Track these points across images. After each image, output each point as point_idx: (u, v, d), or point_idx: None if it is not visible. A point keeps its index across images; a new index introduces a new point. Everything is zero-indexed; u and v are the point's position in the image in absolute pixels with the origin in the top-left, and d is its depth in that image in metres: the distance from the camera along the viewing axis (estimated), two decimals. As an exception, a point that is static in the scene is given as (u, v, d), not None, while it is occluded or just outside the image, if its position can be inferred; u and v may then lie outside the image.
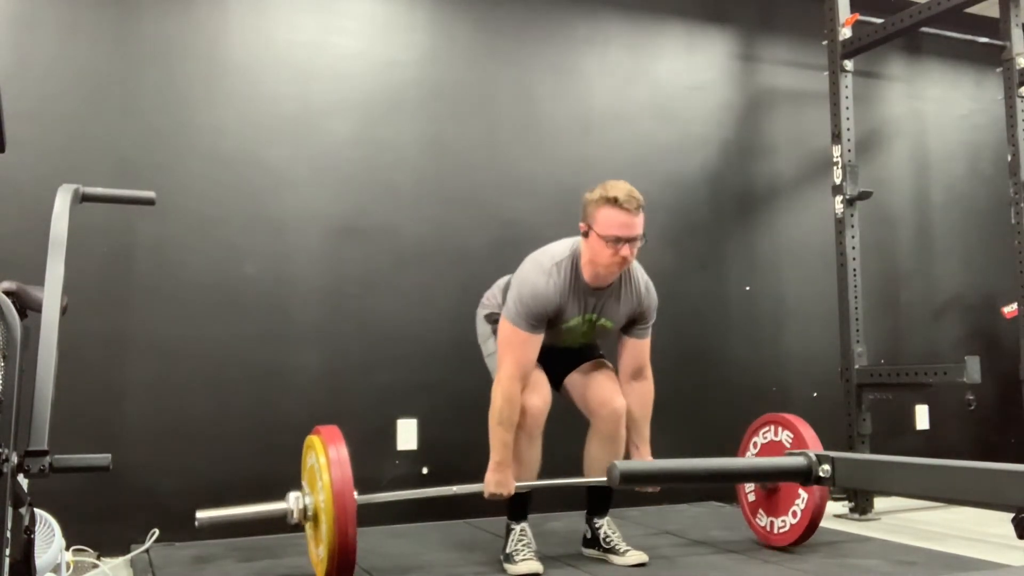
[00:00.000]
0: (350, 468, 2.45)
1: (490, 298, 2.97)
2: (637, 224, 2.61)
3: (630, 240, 2.61)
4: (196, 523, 2.51)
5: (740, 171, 4.37)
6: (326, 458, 2.46)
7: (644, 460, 2.65)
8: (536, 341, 2.69)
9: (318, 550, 2.56)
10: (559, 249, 2.75)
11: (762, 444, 3.09)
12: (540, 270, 2.69)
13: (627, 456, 2.81)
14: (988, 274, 4.75)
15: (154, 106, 3.38)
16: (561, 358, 2.91)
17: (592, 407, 2.85)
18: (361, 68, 3.71)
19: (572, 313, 2.73)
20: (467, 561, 2.87)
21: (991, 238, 4.69)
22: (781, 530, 2.96)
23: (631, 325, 2.83)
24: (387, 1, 3.81)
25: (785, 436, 3.01)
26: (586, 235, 2.66)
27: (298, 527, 2.63)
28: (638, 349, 2.85)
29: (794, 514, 2.92)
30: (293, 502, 2.56)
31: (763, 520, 3.04)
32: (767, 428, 3.09)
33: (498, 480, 2.66)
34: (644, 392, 2.87)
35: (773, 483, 2.97)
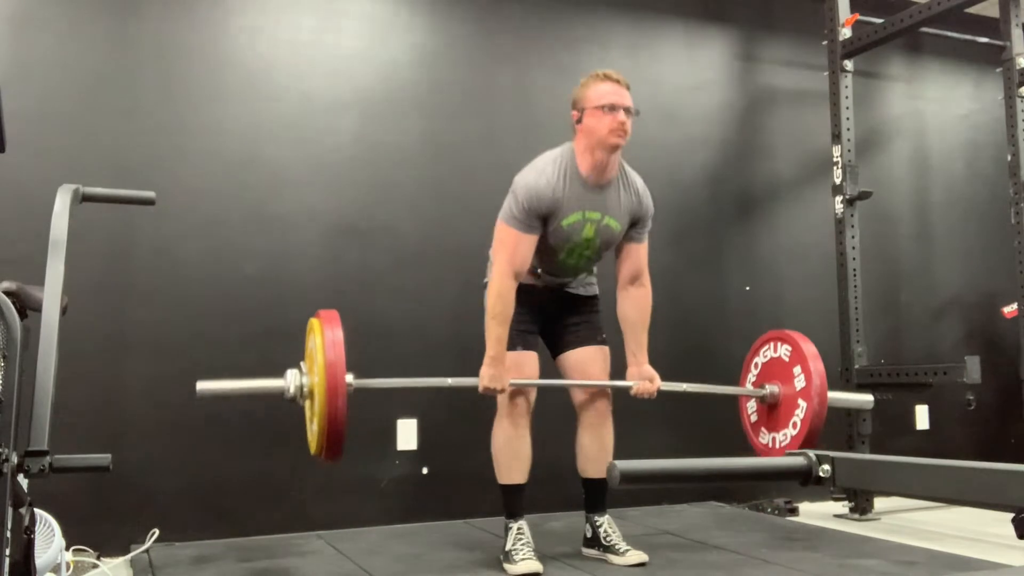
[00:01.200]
0: (343, 350, 2.48)
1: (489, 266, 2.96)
2: (628, 96, 2.69)
3: (625, 108, 2.65)
4: (197, 393, 2.50)
5: (740, 171, 4.37)
6: (322, 340, 2.50)
7: (645, 461, 2.66)
8: (530, 241, 2.69)
9: (312, 428, 2.61)
10: (553, 151, 2.78)
11: (763, 364, 3.09)
12: (534, 169, 2.73)
13: (622, 379, 2.84)
14: (988, 274, 4.75)
15: (154, 106, 3.38)
16: (565, 324, 2.88)
17: (578, 400, 2.88)
18: (361, 68, 3.71)
19: (571, 208, 2.71)
20: (467, 561, 2.87)
21: (991, 238, 4.69)
22: (782, 443, 2.96)
23: (630, 228, 2.84)
24: (387, 1, 3.81)
25: (784, 351, 3.01)
26: (579, 121, 2.70)
27: (294, 401, 2.63)
28: (637, 254, 2.87)
29: (794, 425, 2.92)
30: (290, 379, 2.58)
31: (765, 437, 3.04)
32: (767, 346, 3.09)
33: (492, 375, 2.67)
34: (642, 299, 2.88)
35: (773, 397, 2.99)
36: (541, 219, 2.69)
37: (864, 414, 3.80)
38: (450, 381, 2.77)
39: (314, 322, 2.63)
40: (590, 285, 2.98)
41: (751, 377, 3.12)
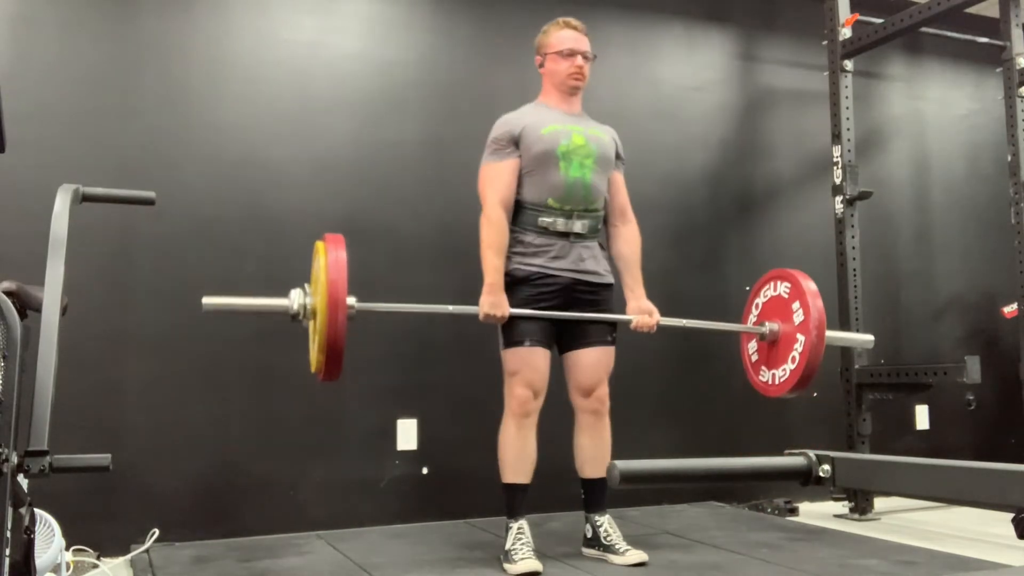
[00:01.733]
0: (346, 271, 2.50)
1: None
2: (586, 42, 2.93)
3: (583, 53, 2.89)
4: (203, 307, 2.50)
5: (740, 171, 4.37)
6: (325, 260, 2.51)
7: (645, 461, 2.65)
8: (510, 167, 2.82)
9: (313, 344, 2.62)
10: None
11: (763, 303, 3.10)
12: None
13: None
14: (988, 274, 4.75)
15: (154, 106, 3.38)
16: (579, 324, 2.84)
17: (575, 393, 2.89)
18: (361, 68, 3.71)
19: (547, 122, 2.85)
20: (467, 561, 2.87)
21: (991, 238, 4.69)
22: (781, 379, 2.97)
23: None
24: (387, 1, 3.81)
25: (784, 288, 3.03)
26: (542, 66, 2.95)
27: (297, 319, 2.62)
28: (617, 185, 2.98)
29: (792, 359, 2.93)
30: (295, 298, 2.59)
31: (765, 375, 3.05)
32: (768, 286, 3.11)
33: (492, 302, 2.70)
34: (631, 234, 2.98)
35: (773, 335, 3.00)
36: (514, 143, 2.83)
37: (864, 414, 3.81)
38: (451, 308, 2.82)
39: (319, 244, 2.64)
40: (606, 272, 2.93)
41: (752, 317, 3.13)
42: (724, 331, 3.21)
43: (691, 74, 4.33)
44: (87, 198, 2.00)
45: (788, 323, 2.97)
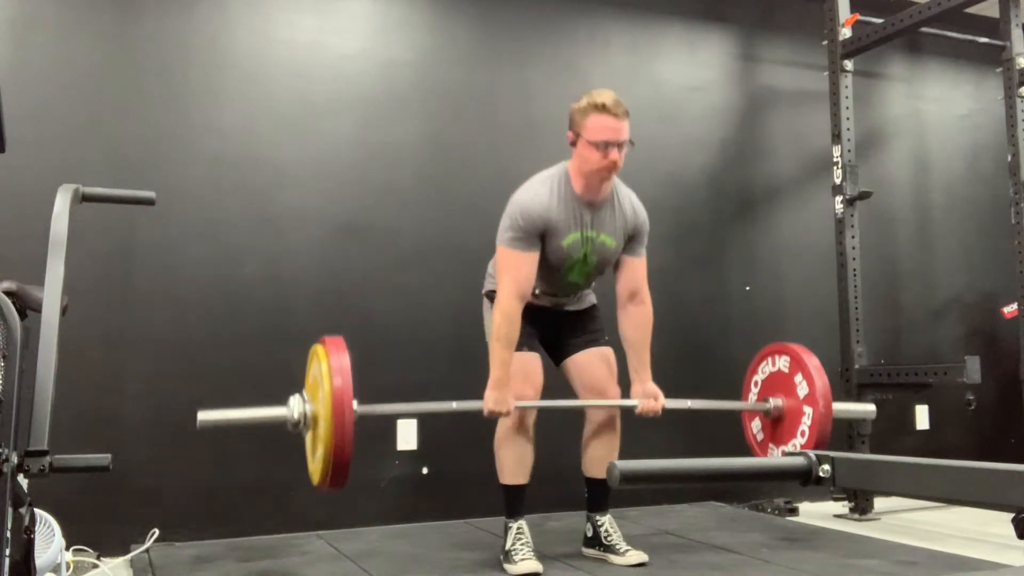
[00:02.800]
0: (351, 376, 2.45)
1: (492, 268, 2.94)
2: (624, 129, 2.66)
3: (619, 144, 2.65)
4: (198, 424, 2.47)
5: (740, 171, 4.37)
6: (328, 366, 2.46)
7: (644, 461, 2.65)
8: (531, 259, 2.69)
9: (315, 456, 2.56)
10: (548, 171, 2.79)
11: (763, 380, 3.09)
12: (529, 190, 2.73)
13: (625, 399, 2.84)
14: (988, 274, 4.75)
15: (154, 106, 3.38)
16: (566, 331, 2.89)
17: (585, 397, 2.87)
18: (361, 68, 3.71)
19: (568, 228, 2.72)
20: (467, 561, 2.87)
21: (991, 238, 4.69)
22: None
23: (627, 243, 2.84)
24: (387, 1, 3.81)
25: (783, 362, 3.02)
26: (574, 144, 2.70)
27: (296, 429, 2.60)
28: (634, 268, 2.84)
29: (802, 433, 2.91)
30: (294, 406, 2.55)
31: (774, 453, 3.03)
32: (765, 362, 3.10)
33: (496, 398, 2.65)
34: (642, 317, 2.86)
35: (778, 410, 2.99)
36: (539, 236, 2.70)
37: (864, 414, 3.81)
38: (455, 405, 2.75)
39: (318, 348, 2.59)
40: (587, 296, 2.98)
41: (752, 395, 3.12)
42: (729, 409, 3.20)
43: (691, 74, 4.33)
44: (87, 198, 2.00)
45: (792, 397, 2.96)
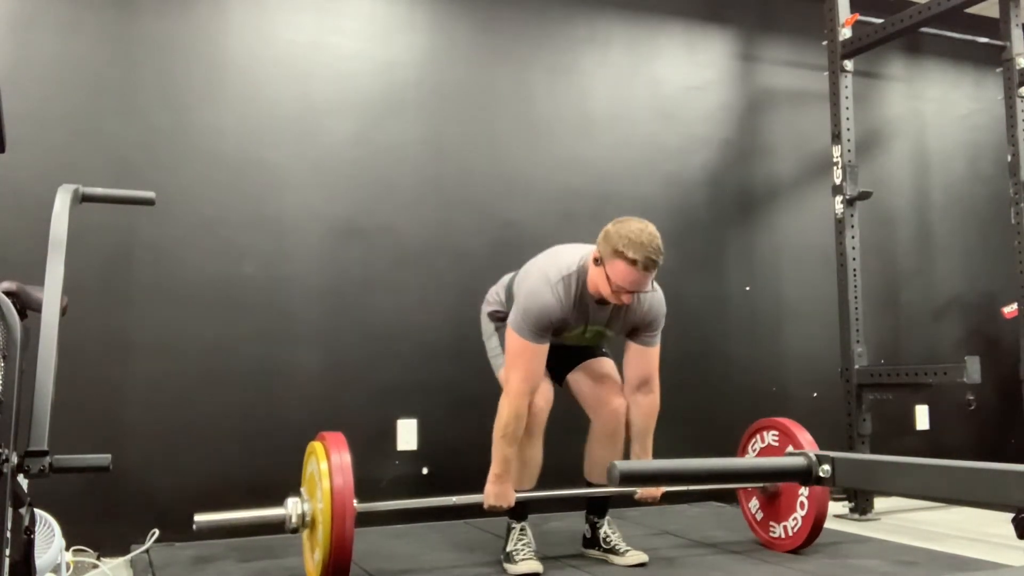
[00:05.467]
0: (352, 476, 2.44)
1: (493, 296, 2.96)
2: (648, 281, 2.59)
3: (639, 291, 2.62)
4: (194, 527, 2.51)
5: (740, 171, 4.37)
6: (328, 464, 2.45)
7: (644, 461, 2.65)
8: (543, 351, 2.67)
9: (314, 555, 2.55)
10: (566, 261, 2.69)
11: (760, 449, 3.10)
12: (547, 284, 2.65)
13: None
14: (988, 274, 4.75)
15: (154, 106, 3.38)
16: (565, 353, 2.90)
17: (592, 406, 2.87)
18: (361, 68, 3.71)
19: (578, 323, 2.73)
20: (467, 561, 2.87)
21: (991, 238, 4.69)
22: (795, 529, 2.94)
23: (636, 331, 2.79)
24: (387, 1, 3.81)
25: (772, 437, 3.03)
26: (597, 262, 2.61)
27: (295, 532, 2.61)
28: (645, 358, 2.79)
29: (801, 505, 2.91)
30: (291, 508, 2.55)
31: (776, 530, 3.02)
32: (754, 440, 3.12)
33: (497, 493, 2.66)
34: (649, 406, 2.81)
35: (774, 487, 2.98)
36: (552, 330, 2.69)
37: (864, 414, 3.80)
38: (454, 499, 2.76)
39: (316, 445, 2.57)
40: None
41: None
42: (728, 488, 3.20)
43: (691, 74, 4.33)
44: (87, 198, 2.00)
45: None
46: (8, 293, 1.69)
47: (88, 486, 3.05)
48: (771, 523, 3.03)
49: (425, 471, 3.62)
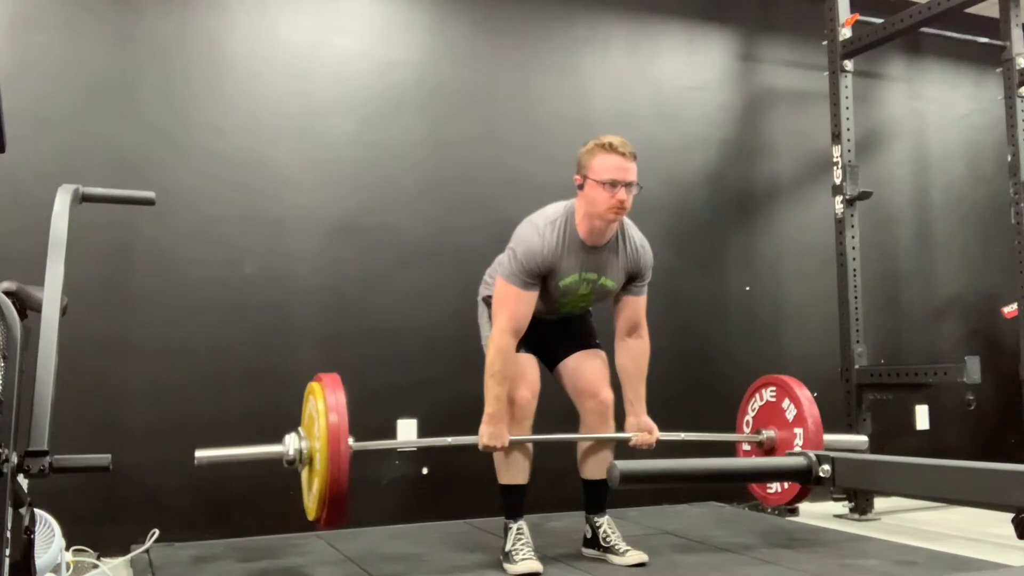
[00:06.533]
0: (347, 415, 2.48)
1: (488, 278, 2.97)
2: (632, 169, 2.65)
3: (627, 184, 2.63)
4: (195, 462, 2.50)
5: (740, 171, 4.37)
6: (324, 403, 2.49)
7: (645, 461, 2.65)
8: (530, 298, 2.70)
9: (311, 493, 2.59)
10: (553, 209, 2.76)
11: (753, 418, 3.11)
12: (534, 229, 2.71)
13: (622, 424, 2.85)
14: (988, 274, 4.75)
15: (154, 106, 3.38)
16: (558, 337, 2.90)
17: (579, 399, 2.89)
18: (361, 68, 3.71)
19: (569, 270, 2.72)
20: (467, 561, 2.87)
21: (991, 238, 4.69)
22: (787, 484, 2.97)
23: (628, 283, 2.84)
24: (387, 1, 3.81)
25: (770, 393, 3.05)
26: (581, 187, 2.68)
27: (292, 466, 2.62)
28: (635, 306, 2.86)
29: None
30: (289, 444, 2.58)
31: (772, 486, 3.05)
32: (754, 398, 3.12)
33: (491, 432, 2.68)
34: (639, 350, 2.88)
35: (770, 443, 3.01)
36: (540, 278, 2.71)
37: (864, 414, 3.81)
38: (450, 440, 2.78)
39: (314, 385, 2.61)
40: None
41: (747, 431, 3.16)
42: (722, 440, 3.21)
43: (691, 74, 4.33)
44: (87, 198, 2.00)
45: (784, 427, 2.99)
46: (8, 293, 1.69)
47: (88, 486, 3.05)
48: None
49: (425, 471, 3.62)
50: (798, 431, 2.92)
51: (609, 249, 2.75)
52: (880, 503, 3.91)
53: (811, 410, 2.91)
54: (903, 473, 1.12)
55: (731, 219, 4.34)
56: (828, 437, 2.96)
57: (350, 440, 2.48)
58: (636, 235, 2.83)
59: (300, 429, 2.64)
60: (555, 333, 2.91)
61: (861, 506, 3.81)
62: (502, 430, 2.68)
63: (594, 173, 2.64)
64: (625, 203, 2.64)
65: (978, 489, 1.02)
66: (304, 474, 2.67)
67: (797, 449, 2.65)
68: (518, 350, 2.77)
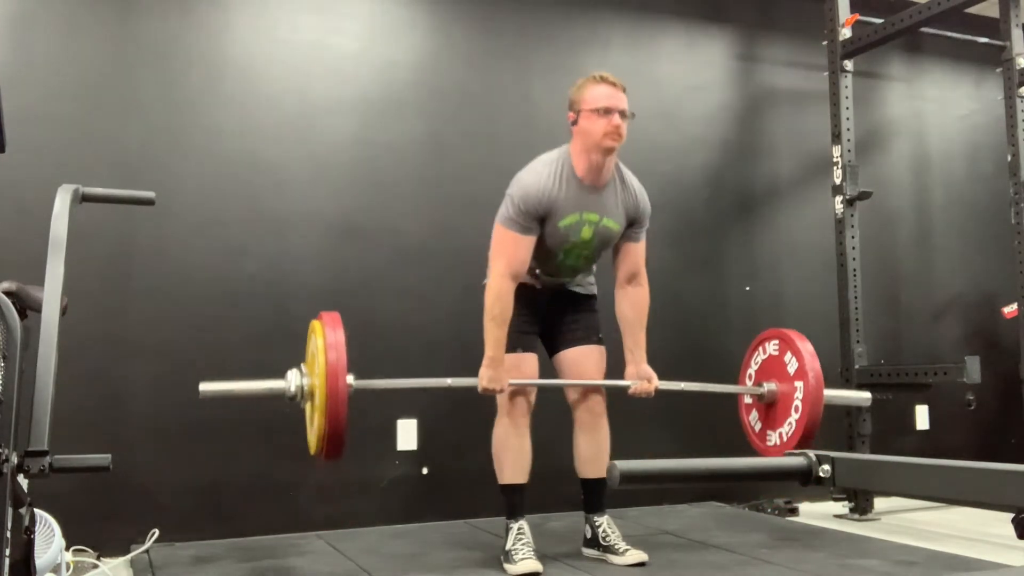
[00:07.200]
0: (345, 351, 2.51)
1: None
2: (624, 99, 2.70)
3: (620, 111, 2.67)
4: (200, 394, 2.53)
5: (740, 171, 4.37)
6: (323, 341, 2.52)
7: (645, 461, 2.65)
8: (528, 242, 2.71)
9: (312, 427, 2.63)
10: (548, 154, 2.79)
11: (756, 371, 3.11)
12: (530, 171, 2.74)
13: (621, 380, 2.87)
14: (988, 274, 4.75)
15: (154, 106, 3.38)
16: (563, 324, 2.89)
17: (572, 398, 2.89)
18: (361, 68, 3.71)
19: (568, 210, 2.72)
20: (467, 561, 2.87)
21: (991, 238, 4.69)
22: (788, 434, 2.95)
23: (627, 228, 2.85)
24: (387, 2, 3.81)
25: (773, 347, 3.05)
26: (575, 123, 2.73)
27: (294, 400, 2.64)
28: (634, 253, 2.88)
29: (796, 409, 2.92)
30: (291, 379, 2.61)
31: (772, 438, 3.03)
32: (758, 351, 3.12)
33: (491, 375, 2.69)
34: (639, 298, 2.89)
35: (771, 395, 3.01)
36: (537, 220, 2.71)
37: (864, 414, 3.80)
38: (449, 381, 2.79)
39: (316, 324, 2.65)
40: (589, 285, 2.99)
41: (749, 385, 3.14)
42: (723, 392, 3.21)
43: (691, 74, 4.33)
44: (87, 198, 2.00)
45: (785, 380, 2.98)
46: (8, 293, 1.69)
47: (88, 486, 3.04)
48: (768, 432, 3.05)
49: (425, 471, 3.62)
50: (799, 384, 2.92)
51: (608, 189, 2.77)
52: (880, 503, 3.91)
53: (812, 364, 2.90)
54: (903, 473, 1.12)
55: (731, 219, 4.34)
56: (829, 392, 2.95)
57: (351, 378, 2.52)
58: (633, 179, 2.85)
59: (302, 366, 2.66)
60: (562, 318, 2.89)
61: (861, 506, 3.81)
62: (501, 374, 2.70)
63: (587, 104, 2.69)
64: (620, 128, 2.67)
65: (978, 489, 1.02)
66: (307, 409, 2.70)
67: (796, 450, 2.66)
68: (517, 348, 2.78)
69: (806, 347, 2.96)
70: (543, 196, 2.69)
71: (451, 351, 3.64)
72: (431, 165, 3.77)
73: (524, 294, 2.79)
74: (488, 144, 3.87)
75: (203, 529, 3.27)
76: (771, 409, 3.04)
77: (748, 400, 3.15)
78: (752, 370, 3.13)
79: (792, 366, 2.94)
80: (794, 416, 2.93)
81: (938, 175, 4.86)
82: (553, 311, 2.91)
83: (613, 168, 2.77)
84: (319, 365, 2.53)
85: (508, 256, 2.70)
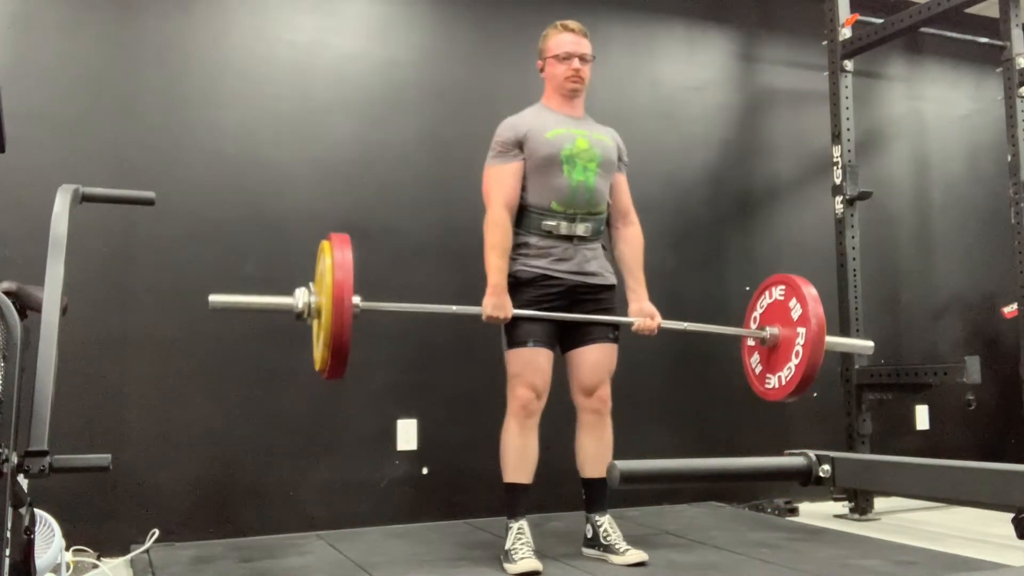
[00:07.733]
0: (351, 270, 2.53)
1: None
2: (585, 44, 2.92)
3: (581, 56, 2.89)
4: (210, 306, 2.56)
5: (740, 171, 4.37)
6: (331, 260, 2.54)
7: (645, 461, 2.65)
8: (515, 169, 2.84)
9: (318, 344, 2.65)
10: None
11: (760, 315, 3.10)
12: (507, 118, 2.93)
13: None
14: (988, 274, 4.75)
15: (154, 106, 3.38)
16: (580, 311, 2.84)
17: (576, 396, 2.89)
18: (361, 68, 3.71)
19: (551, 125, 2.87)
20: (467, 561, 2.87)
21: (991, 238, 4.69)
22: (787, 379, 2.96)
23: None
24: (387, 1, 3.81)
25: (779, 292, 3.04)
26: (543, 70, 2.96)
27: (301, 318, 2.65)
28: (620, 188, 2.99)
29: (796, 354, 2.92)
30: (299, 297, 2.63)
31: (771, 381, 3.04)
32: (763, 296, 3.11)
33: (495, 303, 2.71)
34: (634, 235, 2.99)
35: (774, 340, 3.00)
36: (517, 145, 2.84)
37: (864, 414, 3.81)
38: (455, 308, 2.81)
39: (325, 244, 2.66)
40: (609, 273, 2.95)
41: (753, 327, 3.14)
42: (725, 335, 3.20)
43: (691, 74, 4.33)
44: (87, 198, 2.00)
45: (787, 325, 2.97)
46: (8, 293, 1.69)
47: (88, 486, 3.05)
48: (767, 375, 3.05)
49: (425, 471, 3.62)
50: (801, 330, 2.91)
51: (586, 120, 2.96)
52: (880, 503, 3.91)
53: (816, 310, 2.89)
54: (903, 473, 1.12)
55: (731, 219, 4.34)
56: (831, 339, 2.94)
57: (357, 299, 2.55)
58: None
59: (311, 284, 2.68)
60: (580, 312, 2.84)
61: (861, 506, 3.81)
62: (505, 301, 2.72)
63: (551, 51, 2.92)
64: (581, 72, 2.89)
65: (978, 489, 1.02)
66: (314, 327, 2.72)
67: (797, 450, 2.66)
68: (531, 343, 2.76)
69: (810, 292, 2.95)
70: (519, 122, 2.88)
71: (450, 351, 3.64)
72: (431, 165, 3.77)
73: (545, 284, 2.79)
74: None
75: (203, 529, 3.27)
76: (773, 353, 3.04)
77: (751, 343, 3.14)
78: (757, 313, 3.12)
79: (796, 312, 2.94)
80: (794, 361, 2.93)
81: (938, 175, 4.86)
82: (571, 304, 2.86)
83: (583, 109, 2.96)
84: (326, 284, 2.55)
85: (499, 187, 2.82)
